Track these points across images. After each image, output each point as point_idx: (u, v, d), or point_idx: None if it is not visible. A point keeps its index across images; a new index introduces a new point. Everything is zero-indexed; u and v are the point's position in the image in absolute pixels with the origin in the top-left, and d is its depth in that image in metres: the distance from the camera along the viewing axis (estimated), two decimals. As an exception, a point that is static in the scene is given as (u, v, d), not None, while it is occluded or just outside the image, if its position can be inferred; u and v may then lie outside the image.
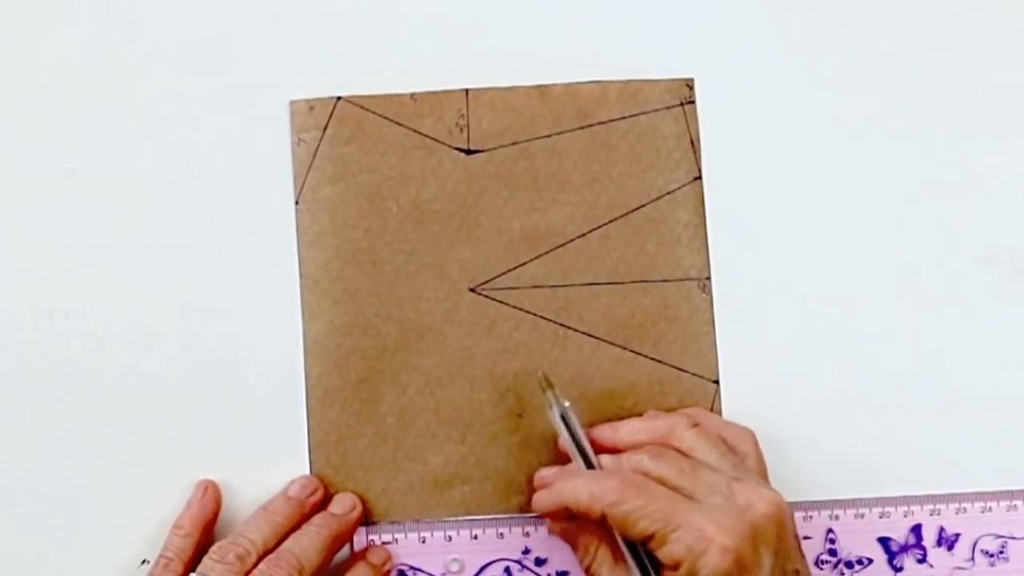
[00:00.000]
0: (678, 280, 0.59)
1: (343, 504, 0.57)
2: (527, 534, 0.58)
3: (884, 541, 0.58)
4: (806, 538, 0.57)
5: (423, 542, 0.58)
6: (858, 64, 0.60)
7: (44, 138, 0.59)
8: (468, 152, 0.59)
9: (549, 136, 0.59)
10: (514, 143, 0.59)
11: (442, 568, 0.58)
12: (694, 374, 0.58)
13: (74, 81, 0.59)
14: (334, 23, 0.60)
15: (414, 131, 0.59)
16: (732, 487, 0.51)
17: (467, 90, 0.59)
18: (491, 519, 0.58)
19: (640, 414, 0.56)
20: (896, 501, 0.58)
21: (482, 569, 0.58)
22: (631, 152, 0.59)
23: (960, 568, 0.58)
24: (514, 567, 0.58)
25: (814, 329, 0.59)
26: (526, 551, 0.58)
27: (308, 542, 0.54)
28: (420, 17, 0.60)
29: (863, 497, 0.58)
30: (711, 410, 0.58)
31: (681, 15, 0.60)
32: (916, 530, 0.58)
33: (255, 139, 0.59)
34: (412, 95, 0.59)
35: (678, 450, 0.53)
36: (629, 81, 0.59)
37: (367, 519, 0.57)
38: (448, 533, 0.58)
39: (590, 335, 0.58)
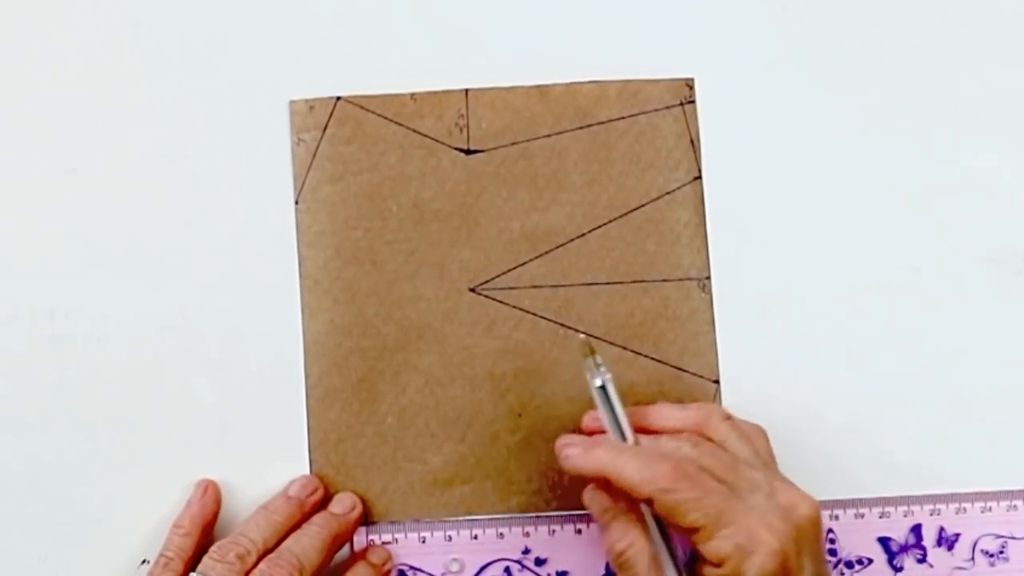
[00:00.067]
0: (678, 280, 0.59)
1: (343, 504, 0.57)
2: (527, 534, 0.58)
3: (884, 541, 0.58)
4: (806, 538, 0.57)
5: (423, 542, 0.58)
6: (858, 64, 0.60)
7: (44, 138, 0.59)
8: (468, 152, 0.59)
9: (549, 136, 0.59)
10: (514, 143, 0.59)
11: (442, 568, 0.58)
12: (694, 374, 0.58)
13: (74, 81, 0.59)
14: (334, 23, 0.60)
15: (414, 131, 0.59)
16: (773, 485, 0.50)
17: (467, 90, 0.59)
18: (491, 519, 0.58)
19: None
20: (896, 501, 0.58)
21: (482, 569, 0.58)
22: (631, 152, 0.59)
23: (960, 568, 0.58)
24: (514, 567, 0.58)
25: (814, 329, 0.59)
26: (526, 551, 0.58)
27: (308, 541, 0.54)
28: (420, 17, 0.60)
29: (863, 497, 0.58)
30: (711, 410, 0.58)
31: (681, 15, 0.60)
32: (916, 530, 0.58)
33: (255, 139, 0.59)
34: (412, 95, 0.59)
35: (711, 441, 0.52)
36: (629, 81, 0.59)
37: (367, 519, 0.57)
38: (448, 533, 0.58)
39: (590, 335, 0.58)
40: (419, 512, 0.58)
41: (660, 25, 0.60)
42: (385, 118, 0.59)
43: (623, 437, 0.52)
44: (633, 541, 0.50)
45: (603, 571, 0.58)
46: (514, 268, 0.59)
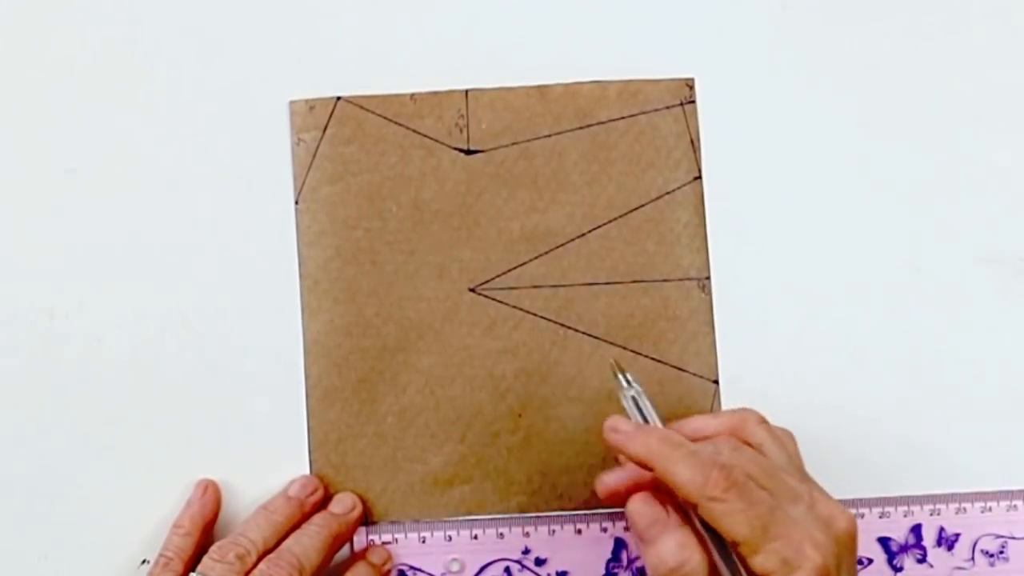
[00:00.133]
0: (678, 280, 0.59)
1: (343, 504, 0.57)
2: (527, 534, 0.58)
3: (884, 541, 0.58)
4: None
5: (423, 542, 0.58)
6: (858, 64, 0.60)
7: (44, 138, 0.59)
8: (468, 152, 0.59)
9: (549, 136, 0.59)
10: (514, 143, 0.59)
11: (442, 568, 0.58)
12: (694, 374, 0.58)
13: (74, 81, 0.59)
14: (334, 23, 0.60)
15: (414, 131, 0.59)
16: (813, 496, 0.48)
17: (467, 90, 0.59)
18: (491, 519, 0.58)
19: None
20: (896, 501, 0.58)
21: (482, 569, 0.58)
22: (631, 152, 0.59)
23: (960, 568, 0.58)
24: (514, 567, 0.58)
25: (814, 329, 0.59)
26: (526, 551, 0.58)
27: (308, 542, 0.54)
28: (420, 17, 0.60)
29: (863, 497, 0.58)
30: (710, 410, 0.58)
31: (681, 15, 0.60)
32: (916, 530, 0.58)
33: (255, 139, 0.59)
34: (412, 95, 0.59)
35: (749, 445, 0.50)
36: (629, 81, 0.59)
37: (367, 519, 0.57)
38: (448, 533, 0.58)
39: (590, 335, 0.58)
40: (419, 512, 0.58)
41: (660, 25, 0.60)
42: (385, 118, 0.59)
43: None
44: (690, 556, 0.47)
45: (603, 571, 0.58)
46: (514, 268, 0.59)
